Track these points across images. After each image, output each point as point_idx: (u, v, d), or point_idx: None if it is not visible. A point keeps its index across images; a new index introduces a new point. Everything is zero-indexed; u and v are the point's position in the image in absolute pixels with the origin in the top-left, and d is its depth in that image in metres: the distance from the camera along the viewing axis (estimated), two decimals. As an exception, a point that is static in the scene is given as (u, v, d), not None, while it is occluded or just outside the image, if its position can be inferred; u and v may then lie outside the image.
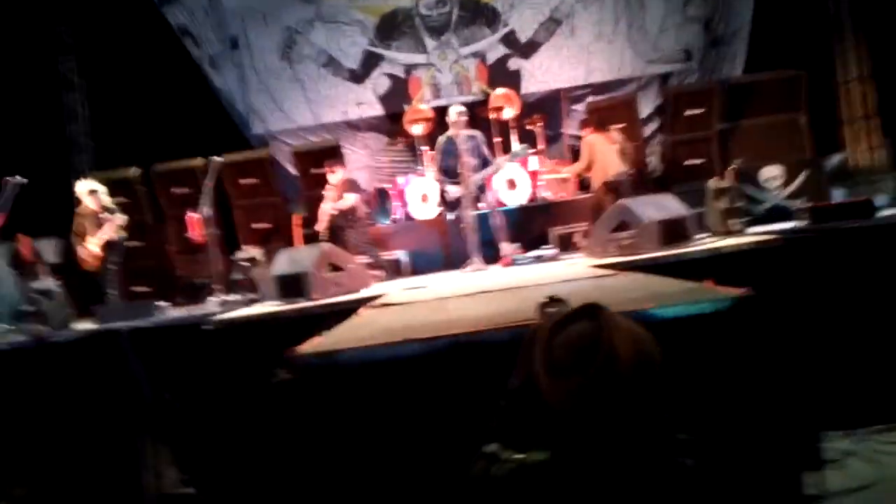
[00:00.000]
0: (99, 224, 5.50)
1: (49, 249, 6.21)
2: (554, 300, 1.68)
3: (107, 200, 5.67)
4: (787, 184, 5.74)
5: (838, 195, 5.82)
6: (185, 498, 4.21)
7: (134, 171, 7.02)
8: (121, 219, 5.55)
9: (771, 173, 5.76)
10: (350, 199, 5.99)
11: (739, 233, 4.73)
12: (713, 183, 5.04)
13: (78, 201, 5.62)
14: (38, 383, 4.32)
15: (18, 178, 5.01)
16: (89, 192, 5.57)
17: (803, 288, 3.55)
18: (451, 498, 1.42)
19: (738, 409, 1.95)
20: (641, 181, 6.52)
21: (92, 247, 5.53)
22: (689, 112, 6.76)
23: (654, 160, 7.67)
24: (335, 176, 6.10)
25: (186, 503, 4.21)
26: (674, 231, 4.45)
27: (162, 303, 5.13)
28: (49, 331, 4.68)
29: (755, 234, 4.60)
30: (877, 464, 3.49)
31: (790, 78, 6.44)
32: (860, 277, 3.96)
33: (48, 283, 4.93)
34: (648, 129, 7.78)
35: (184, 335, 4.35)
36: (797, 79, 6.46)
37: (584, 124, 6.31)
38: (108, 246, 5.53)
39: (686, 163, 6.63)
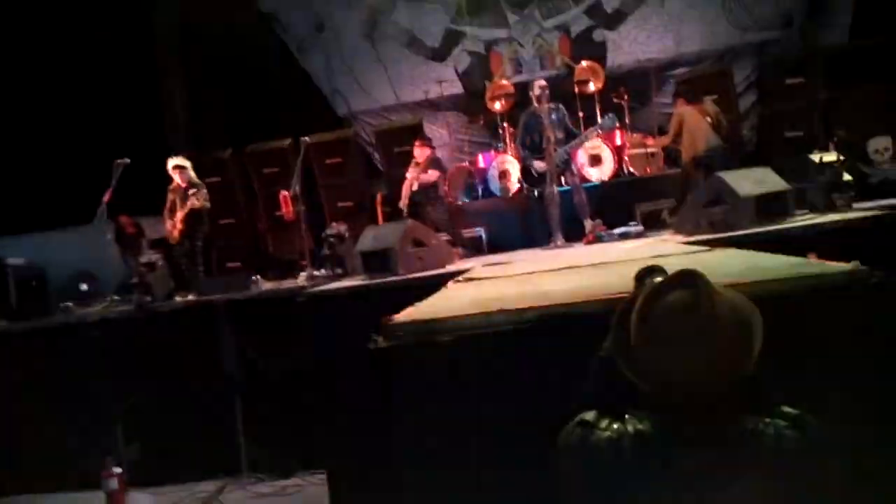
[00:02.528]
0: (187, 199, 5.78)
1: (151, 226, 6.60)
2: (653, 270, 1.65)
3: (192, 175, 5.92)
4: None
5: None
6: (273, 460, 4.42)
7: (227, 153, 7.34)
8: (202, 192, 5.76)
9: (880, 144, 5.36)
10: (432, 176, 6.04)
11: (845, 208, 4.43)
12: (815, 156, 4.74)
13: (171, 179, 5.94)
14: (144, 350, 4.62)
15: (122, 159, 5.35)
16: (175, 167, 5.85)
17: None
18: (546, 465, 1.41)
19: (845, 388, 1.85)
20: (735, 155, 6.21)
21: (176, 221, 5.82)
22: (788, 82, 6.37)
23: (749, 133, 7.29)
24: (422, 153, 6.16)
25: (275, 466, 4.43)
26: (771, 206, 4.23)
27: (251, 277, 5.36)
28: (153, 301, 4.99)
29: (863, 209, 4.30)
30: None
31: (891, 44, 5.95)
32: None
33: (151, 256, 5.24)
34: (744, 101, 7.39)
35: (277, 307, 4.54)
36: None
37: (674, 97, 6.05)
38: (191, 218, 5.75)
39: (785, 135, 6.27)
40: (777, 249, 2.93)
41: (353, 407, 3.18)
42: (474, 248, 6.18)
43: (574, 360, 1.86)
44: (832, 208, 4.45)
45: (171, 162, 5.91)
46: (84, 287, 5.54)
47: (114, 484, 3.91)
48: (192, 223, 5.77)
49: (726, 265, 2.69)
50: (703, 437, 1.24)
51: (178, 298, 5.21)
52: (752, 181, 4.34)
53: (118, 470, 3.95)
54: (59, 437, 4.49)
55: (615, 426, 1.31)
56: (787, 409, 1.28)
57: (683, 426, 1.26)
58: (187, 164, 5.93)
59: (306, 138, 5.68)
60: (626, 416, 1.32)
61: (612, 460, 1.28)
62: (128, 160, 5.35)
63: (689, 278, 1.31)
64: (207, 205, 5.82)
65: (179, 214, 5.80)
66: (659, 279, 1.46)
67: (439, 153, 7.98)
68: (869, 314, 1.91)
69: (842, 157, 4.69)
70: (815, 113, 6.34)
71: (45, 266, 5.55)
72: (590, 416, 1.36)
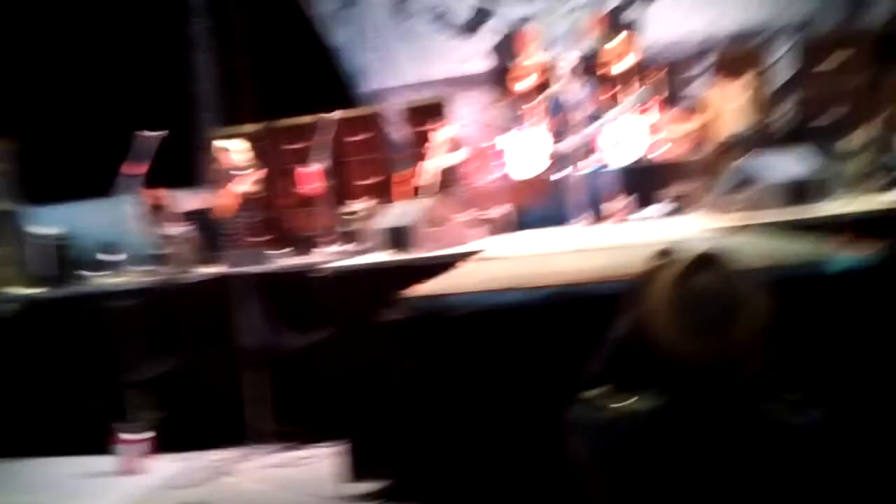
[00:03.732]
0: (230, 179, 5.84)
1: (185, 199, 6.68)
2: (673, 251, 1.60)
3: (241, 158, 6.00)
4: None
5: None
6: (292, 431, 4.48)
7: (253, 128, 7.36)
8: (255, 175, 5.84)
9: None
10: (453, 157, 5.98)
11: (883, 193, 4.26)
12: (853, 138, 4.56)
13: (215, 157, 6.01)
14: (166, 320, 4.69)
15: (158, 132, 5.41)
16: (221, 149, 5.97)
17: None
18: (556, 441, 1.40)
19: (867, 376, 1.79)
20: (771, 136, 6.02)
21: (225, 198, 5.90)
22: (829, 62, 6.13)
23: (788, 113, 7.04)
24: (440, 133, 6.10)
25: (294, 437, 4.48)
26: (802, 190, 4.08)
27: (273, 251, 5.39)
28: (172, 272, 5.05)
29: (901, 195, 4.13)
30: None
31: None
32: None
33: (176, 229, 5.30)
34: (782, 80, 7.13)
35: (295, 282, 4.56)
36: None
37: (710, 75, 5.86)
38: (243, 199, 5.87)
39: (824, 117, 6.04)
40: (807, 233, 2.85)
41: (370, 379, 3.20)
42: (499, 227, 6.12)
43: (586, 339, 1.83)
44: (869, 193, 4.28)
45: (218, 144, 6.05)
46: (109, 257, 5.62)
47: (126, 450, 3.98)
48: (246, 204, 5.88)
49: (756, 247, 2.60)
50: (711, 419, 1.24)
51: (203, 270, 5.26)
52: (784, 164, 4.20)
53: (132, 436, 4.02)
54: (77, 402, 4.59)
55: (626, 404, 1.30)
56: (791, 395, 1.27)
57: (694, 408, 1.24)
58: (235, 146, 6.03)
59: (335, 115, 5.66)
60: (638, 395, 1.30)
61: (622, 437, 1.28)
62: (164, 132, 5.41)
63: (712, 260, 1.29)
64: (258, 189, 5.90)
65: (231, 193, 5.86)
66: (681, 260, 1.41)
67: (466, 132, 7.91)
68: (888, 297, 1.84)
69: (880, 141, 4.50)
70: (856, 95, 6.09)
71: (71, 236, 5.65)
72: (600, 392, 1.35)
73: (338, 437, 3.94)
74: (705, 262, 1.28)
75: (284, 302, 4.65)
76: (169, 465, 4.39)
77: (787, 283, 1.84)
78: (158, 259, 5.15)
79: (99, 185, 5.87)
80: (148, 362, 4.63)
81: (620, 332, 1.44)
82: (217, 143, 6.05)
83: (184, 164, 6.20)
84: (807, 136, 5.87)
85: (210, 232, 5.87)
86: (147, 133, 5.37)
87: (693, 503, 1.24)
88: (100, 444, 4.34)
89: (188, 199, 6.32)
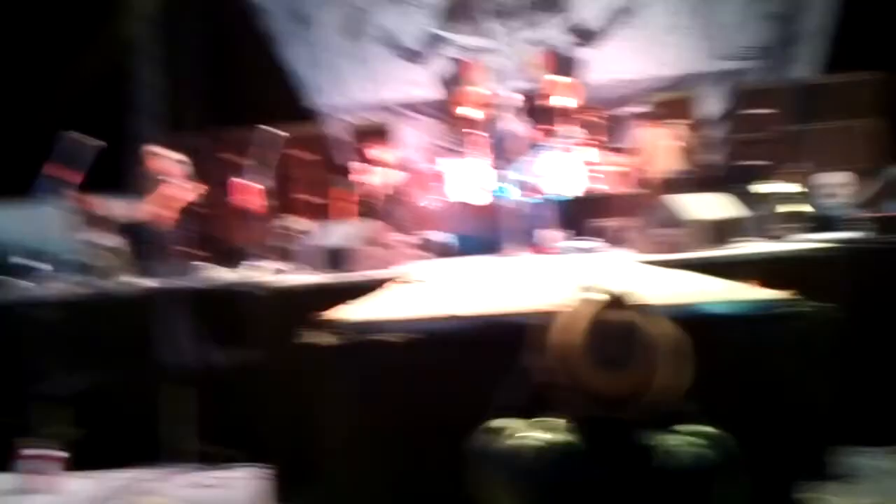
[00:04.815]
0: (165, 188, 5.69)
1: (116, 206, 6.47)
2: (594, 288, 1.66)
3: (177, 168, 5.84)
4: (853, 192, 5.45)
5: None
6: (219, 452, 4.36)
7: (192, 138, 7.23)
8: (191, 185, 5.72)
9: (837, 180, 5.48)
10: (394, 179, 6.02)
11: (795, 239, 4.53)
12: (773, 186, 4.84)
13: (150, 164, 5.86)
14: (86, 333, 4.52)
15: (95, 141, 5.25)
16: (158, 157, 5.80)
17: (854, 300, 3.37)
18: (463, 470, 1.43)
19: (762, 409, 1.91)
20: (701, 179, 6.31)
21: (159, 208, 5.73)
22: (757, 111, 6.50)
23: (717, 158, 7.40)
24: (383, 155, 6.14)
25: (221, 457, 4.36)
26: (724, 231, 4.31)
27: (206, 265, 5.28)
28: (97, 283, 4.89)
29: (814, 240, 4.40)
30: (883, 484, 3.33)
31: (863, 81, 6.10)
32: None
33: (104, 238, 5.13)
34: (715, 127, 7.52)
35: (226, 298, 4.48)
36: (871, 82, 6.11)
37: (647, 118, 6.13)
38: (177, 209, 5.68)
39: (750, 163, 6.38)
40: (725, 274, 2.99)
41: (295, 402, 3.17)
42: (439, 252, 6.18)
43: (502, 369, 1.88)
44: (783, 238, 4.55)
45: (152, 150, 5.85)
46: (29, 263, 5.39)
47: (33, 466, 3.81)
48: (180, 215, 5.70)
49: (672, 285, 2.73)
50: (618, 451, 1.27)
51: (130, 282, 5.10)
52: (708, 206, 4.42)
53: (40, 452, 3.85)
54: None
55: (530, 434, 1.33)
56: (704, 427, 1.33)
57: (600, 439, 1.29)
58: (172, 155, 5.87)
59: (278, 129, 5.63)
60: (541, 427, 1.34)
61: (521, 468, 1.29)
62: (103, 143, 5.26)
63: (625, 300, 1.34)
64: (196, 200, 5.76)
65: (169, 202, 5.71)
66: (597, 297, 1.47)
67: (413, 156, 7.98)
68: (796, 340, 1.96)
69: (798, 190, 4.80)
70: (781, 144, 6.46)
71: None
72: (501, 422, 1.38)
73: (262, 459, 3.87)
74: (618, 301, 1.34)
75: (214, 318, 4.54)
76: (83, 484, 4.21)
77: (697, 321, 1.96)
78: (84, 268, 4.97)
79: (22, 185, 5.64)
80: (65, 377, 4.45)
81: (532, 364, 1.46)
82: (153, 150, 5.89)
83: (117, 170, 6.02)
84: (731, 180, 6.19)
85: (141, 242, 5.70)
86: (75, 135, 5.21)
87: None
88: (3, 459, 4.14)
89: (120, 207, 6.14)
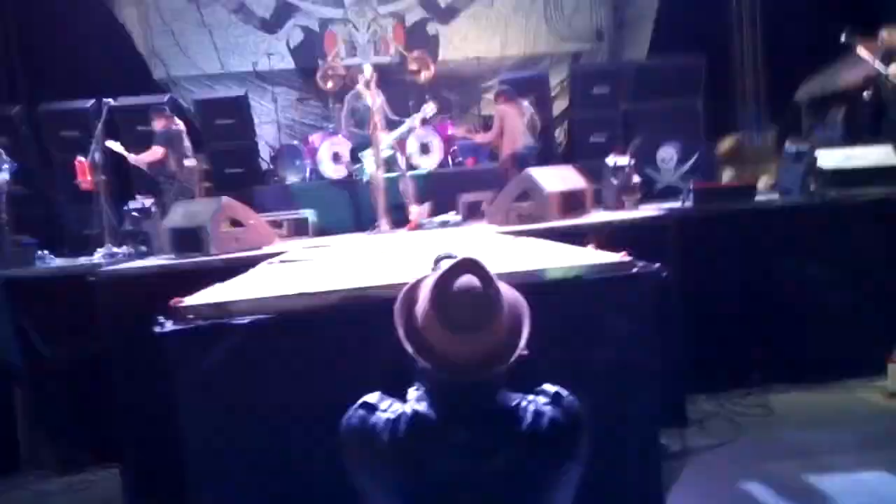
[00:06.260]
0: None
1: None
2: (447, 256, 1.73)
3: None
4: (680, 164, 6.07)
5: (728, 176, 6.24)
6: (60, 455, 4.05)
7: (16, 110, 6.48)
8: (11, 164, 5.07)
9: (667, 153, 6.07)
10: (153, 154, 5.61)
11: (632, 207, 4.98)
12: (611, 160, 5.26)
13: None
14: None
15: None
16: None
17: (685, 262, 3.79)
18: (336, 449, 1.44)
19: (611, 367, 2.08)
20: (547, 154, 6.69)
21: None
22: (595, 91, 6.96)
23: (560, 135, 7.88)
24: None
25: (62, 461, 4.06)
26: (572, 203, 4.64)
27: (46, 253, 4.83)
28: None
29: (647, 209, 4.86)
30: (735, 423, 3.84)
31: (690, 63, 6.74)
32: (735, 256, 4.30)
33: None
34: (558, 105, 7.98)
35: (67, 287, 4.13)
36: (696, 64, 6.77)
37: (496, 95, 6.37)
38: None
39: (590, 139, 6.86)
40: (573, 241, 3.22)
41: (145, 396, 2.99)
42: (301, 231, 6.05)
43: (370, 344, 1.92)
44: (622, 207, 4.98)
45: None
46: None
47: None
48: (6, 197, 5.03)
49: (522, 253, 2.91)
50: (473, 414, 1.33)
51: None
52: (558, 179, 4.72)
53: None
54: None
55: (394, 407, 1.36)
56: (548, 386, 1.41)
57: (457, 404, 1.34)
58: None
59: (110, 100, 5.20)
60: (407, 397, 1.38)
61: (388, 440, 1.33)
62: None
63: (471, 265, 1.38)
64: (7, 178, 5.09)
65: None
66: (446, 265, 1.53)
67: (266, 129, 7.70)
68: (627, 299, 2.16)
69: (633, 163, 5.25)
70: (617, 121, 6.98)
71: None
72: (372, 397, 1.41)
73: (113, 460, 3.65)
74: (465, 266, 1.38)
75: (50, 310, 4.16)
76: None
77: (543, 286, 2.11)
78: None
79: None
80: None
81: (396, 336, 1.52)
82: None
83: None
84: (578, 155, 6.64)
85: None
86: None
87: (458, 497, 1.31)
88: None
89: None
